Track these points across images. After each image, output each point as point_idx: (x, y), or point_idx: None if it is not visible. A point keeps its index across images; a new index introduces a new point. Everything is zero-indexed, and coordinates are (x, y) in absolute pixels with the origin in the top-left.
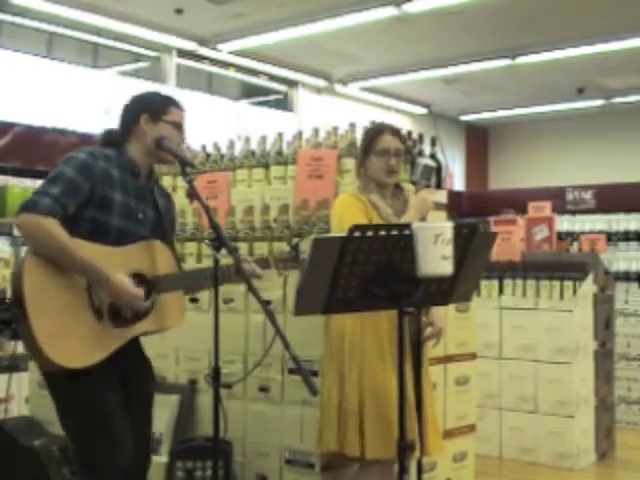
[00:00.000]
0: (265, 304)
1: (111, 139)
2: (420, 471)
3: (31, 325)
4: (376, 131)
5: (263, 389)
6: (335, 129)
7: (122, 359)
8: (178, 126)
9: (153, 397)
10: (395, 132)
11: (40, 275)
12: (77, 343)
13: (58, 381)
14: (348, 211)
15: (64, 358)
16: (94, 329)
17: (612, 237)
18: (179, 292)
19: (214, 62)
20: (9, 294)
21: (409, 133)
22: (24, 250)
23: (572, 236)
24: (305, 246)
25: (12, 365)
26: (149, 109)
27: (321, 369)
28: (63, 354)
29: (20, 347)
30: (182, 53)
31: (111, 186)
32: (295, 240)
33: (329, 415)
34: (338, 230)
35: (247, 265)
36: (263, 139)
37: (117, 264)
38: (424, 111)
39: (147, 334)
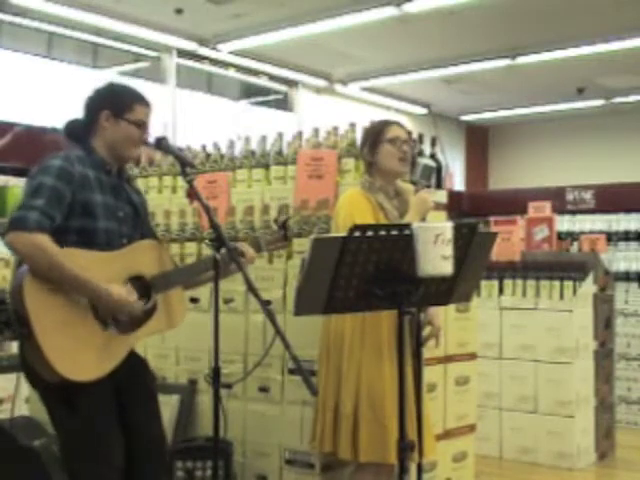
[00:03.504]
0: (265, 304)
1: (75, 131)
2: (420, 471)
3: (40, 344)
4: (383, 122)
5: (263, 389)
6: (335, 129)
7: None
8: (141, 124)
9: (155, 392)
10: (401, 125)
11: (41, 291)
12: (88, 356)
13: (52, 397)
14: (360, 209)
15: (77, 373)
16: (102, 339)
17: (612, 237)
18: (178, 288)
19: (214, 62)
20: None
21: (409, 133)
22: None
23: (572, 236)
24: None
25: (12, 365)
26: (112, 106)
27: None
28: (75, 369)
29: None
30: (182, 53)
31: (90, 189)
32: (282, 218)
33: (325, 416)
34: (347, 227)
35: (244, 248)
36: (263, 139)
37: (115, 269)
38: (424, 111)
39: (153, 335)
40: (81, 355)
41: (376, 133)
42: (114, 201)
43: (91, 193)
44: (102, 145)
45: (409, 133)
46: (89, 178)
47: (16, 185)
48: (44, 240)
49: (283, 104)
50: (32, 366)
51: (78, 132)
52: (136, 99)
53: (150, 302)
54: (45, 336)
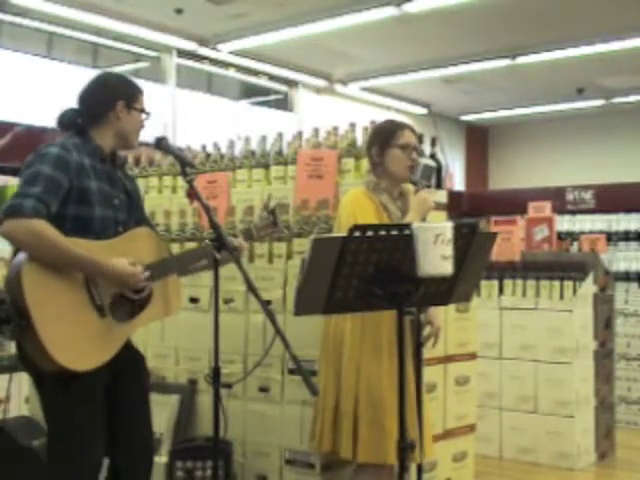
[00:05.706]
0: (265, 304)
1: (75, 122)
2: (420, 471)
3: (39, 335)
4: (397, 125)
5: (263, 389)
6: (335, 129)
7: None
8: (145, 112)
9: (149, 391)
10: (413, 130)
11: (38, 282)
12: (86, 345)
13: (47, 384)
14: (362, 209)
15: (76, 362)
16: (100, 328)
17: (612, 237)
18: (174, 276)
19: (214, 62)
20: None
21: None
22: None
23: (572, 236)
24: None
25: (12, 365)
26: (124, 96)
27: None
28: (74, 359)
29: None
30: (182, 53)
31: (87, 176)
32: (272, 205)
33: (324, 416)
34: (349, 227)
35: (236, 243)
36: (263, 139)
37: (113, 257)
38: (424, 111)
39: (150, 322)
40: (79, 344)
41: (388, 135)
42: (110, 189)
43: (87, 180)
44: (109, 135)
45: (418, 137)
46: (85, 166)
47: (16, 185)
48: (40, 223)
49: (283, 104)
50: (30, 356)
51: (74, 121)
52: (137, 88)
53: (147, 289)
54: (44, 326)
